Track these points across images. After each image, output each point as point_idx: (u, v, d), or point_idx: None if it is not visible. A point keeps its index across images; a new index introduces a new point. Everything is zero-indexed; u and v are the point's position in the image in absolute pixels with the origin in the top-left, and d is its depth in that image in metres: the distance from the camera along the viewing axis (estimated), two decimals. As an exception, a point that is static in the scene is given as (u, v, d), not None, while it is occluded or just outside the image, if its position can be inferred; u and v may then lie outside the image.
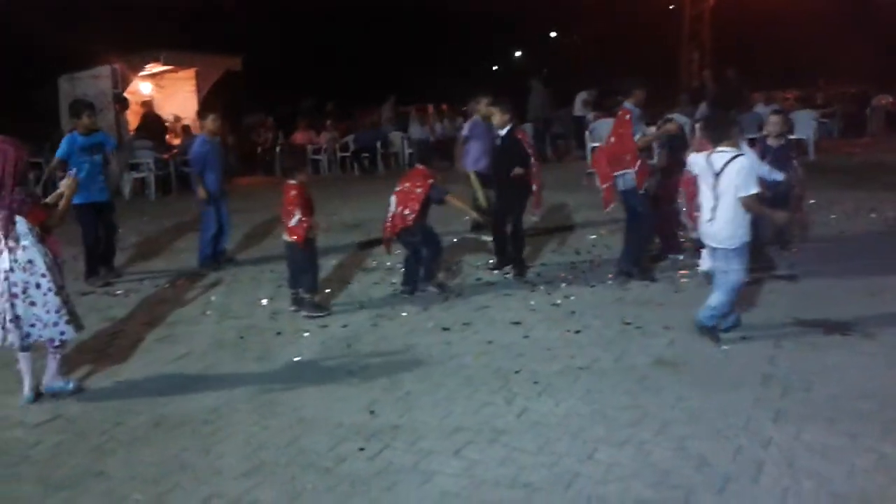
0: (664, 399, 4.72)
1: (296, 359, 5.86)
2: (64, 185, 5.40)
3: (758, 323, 5.93)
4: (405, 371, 5.44)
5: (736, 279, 5.50)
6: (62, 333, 5.17)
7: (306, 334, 6.41)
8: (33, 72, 18.00)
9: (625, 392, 4.85)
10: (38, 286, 5.06)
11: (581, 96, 19.83)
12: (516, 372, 5.28)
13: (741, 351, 5.44)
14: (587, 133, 17.07)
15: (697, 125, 7.85)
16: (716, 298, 5.55)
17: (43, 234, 5.14)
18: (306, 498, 3.88)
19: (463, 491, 3.82)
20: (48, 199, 5.45)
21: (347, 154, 19.84)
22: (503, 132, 7.69)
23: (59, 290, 5.14)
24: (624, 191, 7.18)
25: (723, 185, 5.37)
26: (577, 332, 6.03)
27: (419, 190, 7.05)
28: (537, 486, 3.81)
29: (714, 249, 5.59)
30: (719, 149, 5.45)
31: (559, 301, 6.85)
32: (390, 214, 7.19)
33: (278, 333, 6.47)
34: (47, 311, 5.10)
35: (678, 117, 14.30)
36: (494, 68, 40.22)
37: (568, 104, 19.73)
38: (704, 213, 5.56)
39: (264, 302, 7.45)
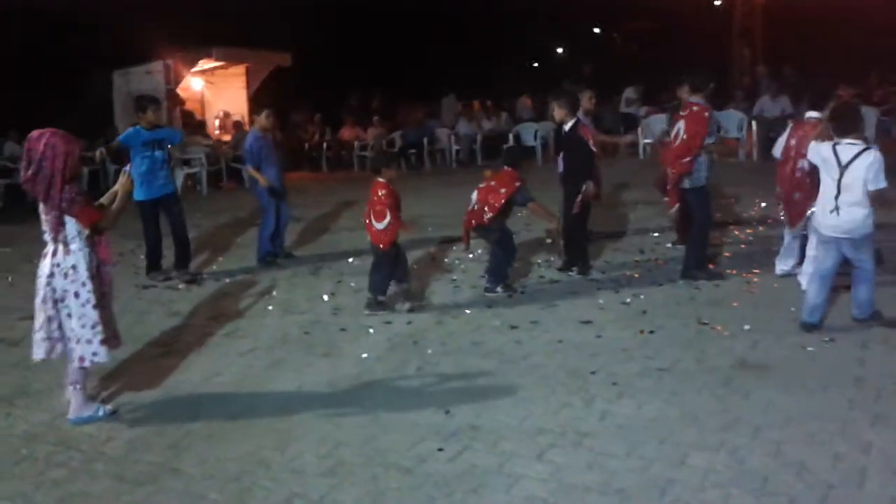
0: (754, 402, 4.54)
1: (363, 355, 5.77)
2: (119, 184, 4.93)
3: (840, 325, 5.69)
4: (477, 370, 5.34)
5: (870, 267, 5.50)
6: (94, 354, 4.65)
7: (371, 331, 6.31)
8: (87, 65, 18.20)
9: (711, 395, 4.68)
10: (76, 295, 4.60)
11: (627, 93, 19.54)
12: (592, 372, 5.13)
13: (827, 353, 5.23)
14: (639, 129, 16.78)
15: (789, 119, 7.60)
16: (864, 292, 5.57)
17: (94, 238, 4.71)
18: (390, 499, 3.78)
19: (551, 496, 3.69)
20: (102, 200, 5.01)
21: (395, 150, 19.76)
22: (567, 127, 7.51)
23: (98, 303, 4.66)
24: (689, 189, 6.97)
25: (850, 176, 5.32)
26: (652, 332, 5.85)
27: (503, 190, 6.92)
28: (630, 493, 3.67)
29: (838, 240, 5.47)
30: (846, 141, 5.40)
31: (628, 300, 6.67)
32: (469, 208, 7.09)
33: (342, 329, 6.39)
34: (82, 326, 4.62)
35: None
36: (535, 64, 39.76)
37: (611, 101, 19.39)
38: (826, 204, 5.44)
39: (325, 297, 7.38)
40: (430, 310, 6.80)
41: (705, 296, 6.67)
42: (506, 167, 7.18)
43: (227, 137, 17.93)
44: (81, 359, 4.66)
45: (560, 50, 41.66)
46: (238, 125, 17.66)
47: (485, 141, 19.03)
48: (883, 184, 5.29)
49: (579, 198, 7.29)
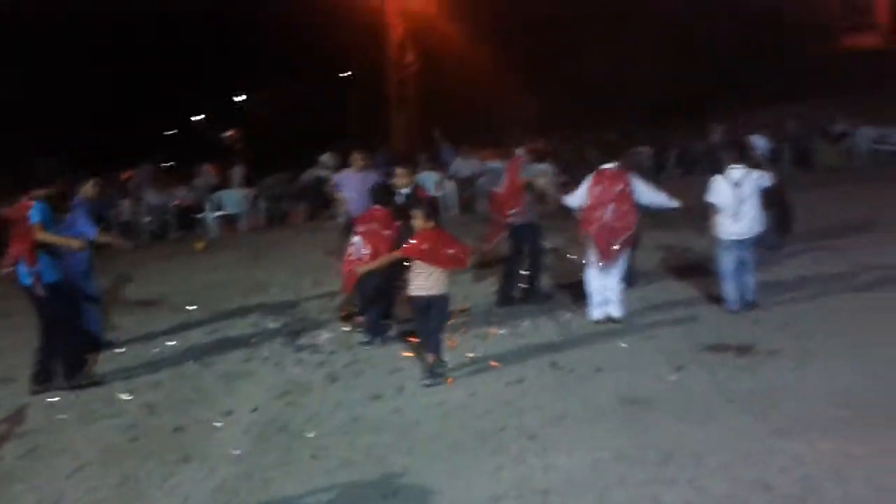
0: (666, 435, 4.78)
1: (235, 452, 5.08)
2: None
3: (671, 349, 6.26)
4: (379, 446, 5.00)
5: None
6: None
7: (217, 424, 5.60)
8: None
9: (627, 435, 4.85)
10: None
11: (323, 159, 19.54)
12: (501, 429, 5.06)
13: (686, 380, 5.68)
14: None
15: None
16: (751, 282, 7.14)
17: None
18: None
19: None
20: None
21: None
22: (406, 191, 7.55)
23: None
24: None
25: None
26: (520, 381, 5.92)
27: (387, 232, 6.87)
28: (639, 541, 3.66)
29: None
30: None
31: (471, 354, 6.67)
32: (353, 257, 6.90)
33: (178, 429, 5.58)
34: None
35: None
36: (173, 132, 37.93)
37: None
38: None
39: (125, 396, 6.41)
40: (269, 391, 6.22)
41: (537, 341, 6.89)
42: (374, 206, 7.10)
43: None
44: None
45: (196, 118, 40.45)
46: None
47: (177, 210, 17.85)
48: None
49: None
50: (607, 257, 7.02)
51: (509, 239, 7.99)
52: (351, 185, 8.89)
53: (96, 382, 6.76)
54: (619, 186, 7.00)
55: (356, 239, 6.96)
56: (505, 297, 8.04)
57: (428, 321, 6.17)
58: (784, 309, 7.14)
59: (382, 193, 7.36)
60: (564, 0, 24.13)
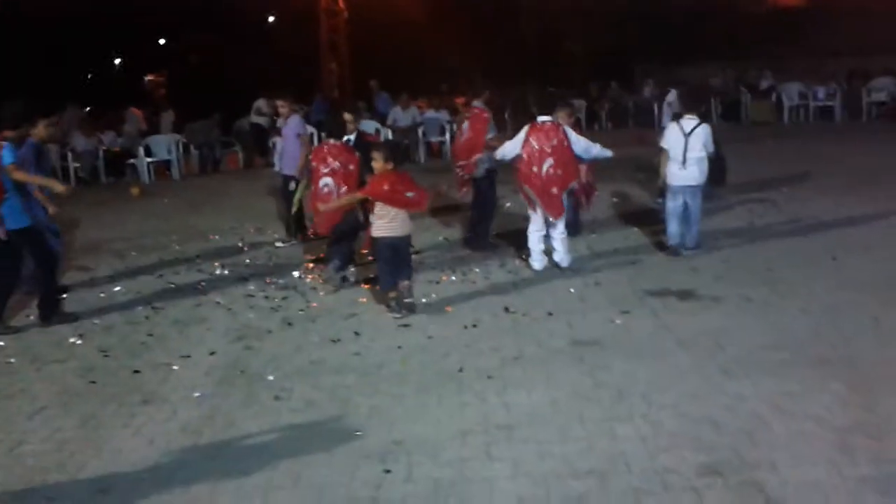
0: (617, 375, 5.02)
1: (195, 394, 5.14)
2: None
3: (617, 294, 6.53)
4: (342, 387, 5.11)
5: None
6: None
7: (175, 367, 5.63)
8: None
9: (579, 373, 5.08)
10: None
11: (257, 104, 19.16)
12: (460, 370, 5.25)
13: (633, 323, 5.94)
14: (271, 142, 16.55)
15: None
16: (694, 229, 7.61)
17: None
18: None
19: (537, 490, 3.75)
20: None
21: None
22: (351, 137, 7.60)
23: None
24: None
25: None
26: (475, 326, 6.10)
27: (352, 167, 7.06)
28: (601, 470, 3.88)
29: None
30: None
31: (424, 299, 6.80)
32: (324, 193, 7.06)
33: (136, 371, 5.60)
34: None
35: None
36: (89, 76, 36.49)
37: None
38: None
39: (74, 340, 6.36)
40: (224, 335, 6.26)
41: (489, 287, 7.08)
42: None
43: None
44: None
45: (118, 61, 39.00)
46: None
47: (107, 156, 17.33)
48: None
49: None
50: (549, 208, 7.18)
51: (473, 188, 8.20)
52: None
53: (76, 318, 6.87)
54: (555, 139, 7.16)
55: (327, 180, 6.97)
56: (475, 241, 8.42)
57: (393, 262, 6.30)
58: (721, 257, 7.49)
59: (336, 126, 7.42)
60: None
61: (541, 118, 7.33)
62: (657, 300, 6.42)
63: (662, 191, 8.78)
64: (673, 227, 7.66)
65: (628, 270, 7.31)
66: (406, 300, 6.39)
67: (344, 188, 6.91)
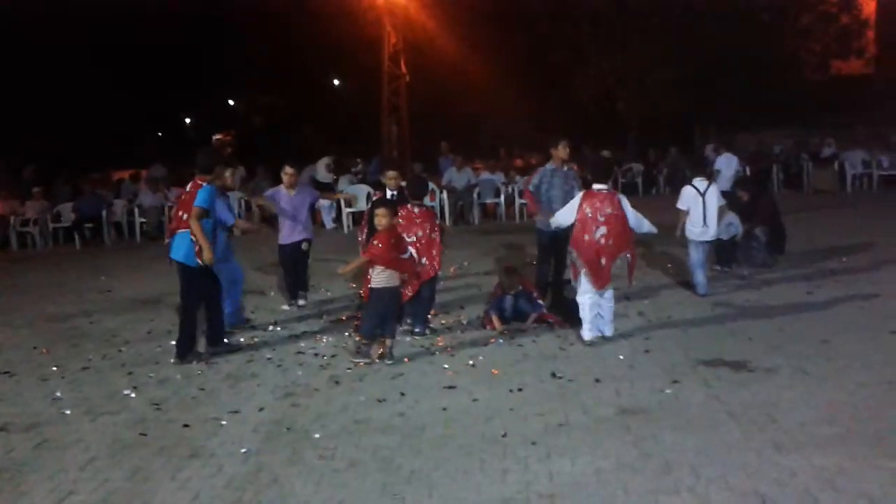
0: (664, 445, 4.91)
1: (242, 450, 5.20)
2: None
3: (667, 362, 6.43)
4: (385, 448, 5.10)
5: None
6: None
7: (223, 423, 5.70)
8: None
9: (626, 443, 4.98)
10: None
11: (323, 161, 19.73)
12: (503, 435, 5.20)
13: (683, 392, 5.83)
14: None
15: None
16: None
17: None
18: None
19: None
20: None
21: (62, 225, 17.91)
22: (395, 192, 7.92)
23: None
24: None
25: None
26: (520, 390, 6.06)
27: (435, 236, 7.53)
28: (644, 545, 3.79)
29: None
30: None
31: (470, 361, 6.80)
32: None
33: (185, 426, 5.68)
34: None
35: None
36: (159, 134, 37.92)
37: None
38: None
39: (129, 393, 6.49)
40: (273, 392, 6.33)
41: (537, 352, 7.04)
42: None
43: None
44: None
45: (188, 120, 40.48)
46: None
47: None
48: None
49: None
50: (598, 279, 7.10)
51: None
52: (284, 199, 9.00)
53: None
54: (610, 208, 7.11)
55: (412, 250, 7.29)
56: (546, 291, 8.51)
57: (383, 314, 6.79)
58: (776, 326, 7.34)
59: (420, 187, 7.89)
60: (557, 23, 24.42)
61: (596, 186, 7.32)
62: (709, 369, 6.30)
63: (719, 255, 8.83)
64: (699, 277, 8.73)
65: (680, 338, 7.20)
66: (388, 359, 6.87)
67: (425, 261, 7.52)
